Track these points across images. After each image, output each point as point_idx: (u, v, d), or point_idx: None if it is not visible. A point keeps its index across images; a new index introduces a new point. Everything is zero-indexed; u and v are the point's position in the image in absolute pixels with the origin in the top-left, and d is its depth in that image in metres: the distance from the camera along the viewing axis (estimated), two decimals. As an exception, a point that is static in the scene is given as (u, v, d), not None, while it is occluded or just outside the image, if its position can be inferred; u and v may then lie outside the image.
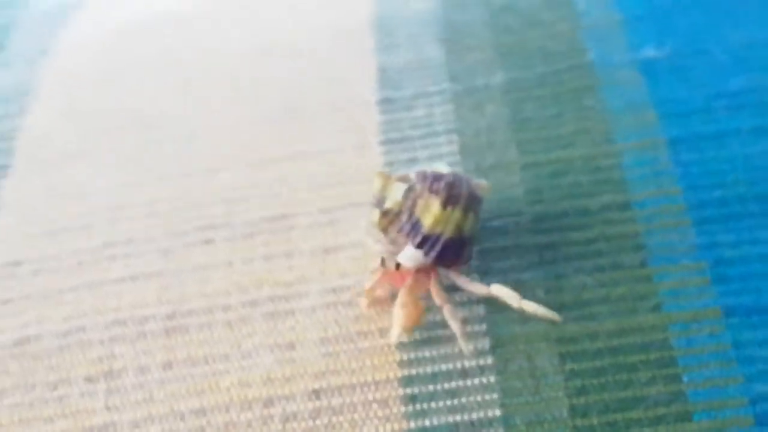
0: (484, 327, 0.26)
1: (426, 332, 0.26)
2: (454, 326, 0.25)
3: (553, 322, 0.25)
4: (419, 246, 0.26)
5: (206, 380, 0.26)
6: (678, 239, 0.27)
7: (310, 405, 0.25)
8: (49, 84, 0.35)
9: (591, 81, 0.32)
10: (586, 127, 0.30)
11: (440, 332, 0.26)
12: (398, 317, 0.25)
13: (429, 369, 0.25)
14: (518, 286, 0.26)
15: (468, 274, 0.26)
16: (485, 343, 0.26)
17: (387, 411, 0.25)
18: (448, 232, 0.26)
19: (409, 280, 0.25)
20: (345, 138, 0.31)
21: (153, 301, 0.28)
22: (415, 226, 0.26)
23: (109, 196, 0.31)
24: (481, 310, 0.26)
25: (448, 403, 0.25)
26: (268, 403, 0.25)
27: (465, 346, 0.25)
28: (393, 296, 0.26)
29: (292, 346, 0.26)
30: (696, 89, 0.30)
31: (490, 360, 0.25)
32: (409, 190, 0.26)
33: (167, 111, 0.33)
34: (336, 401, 0.25)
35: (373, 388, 0.25)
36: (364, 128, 0.31)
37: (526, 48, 0.33)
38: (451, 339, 0.26)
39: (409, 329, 0.25)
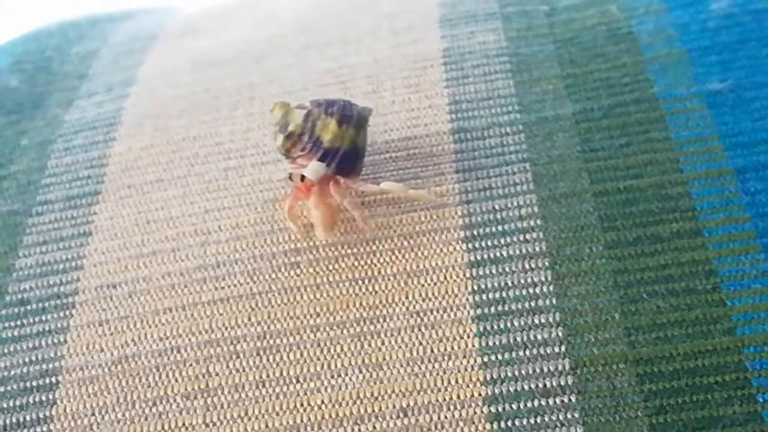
0: (563, 348, 0.27)
1: (508, 353, 0.27)
2: (356, 214, 0.30)
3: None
4: (321, 159, 0.30)
5: (298, 398, 0.27)
6: (749, 265, 0.28)
7: (398, 423, 0.26)
8: (133, 113, 0.37)
9: (657, 113, 0.33)
10: (654, 157, 0.31)
11: (522, 353, 0.27)
12: (316, 219, 0.30)
13: (512, 388, 0.27)
14: (595, 310, 0.28)
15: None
16: (565, 364, 0.27)
17: (473, 428, 0.26)
18: (345, 146, 0.30)
19: (316, 188, 0.30)
20: (423, 167, 0.32)
21: (244, 322, 0.29)
22: (316, 143, 0.30)
23: (196, 220, 0.32)
24: (559, 332, 0.27)
25: (532, 421, 0.26)
26: (359, 420, 0.27)
27: (368, 230, 0.30)
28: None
29: (379, 365, 0.28)
30: (761, 120, 0.32)
31: (570, 380, 0.26)
32: (308, 114, 0.31)
33: (248, 139, 0.35)
34: (423, 419, 0.26)
35: (458, 406, 0.27)
36: (439, 157, 0.33)
37: (591, 80, 0.35)
38: (533, 358, 0.27)
39: (329, 227, 0.30)
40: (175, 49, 0.41)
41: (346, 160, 0.30)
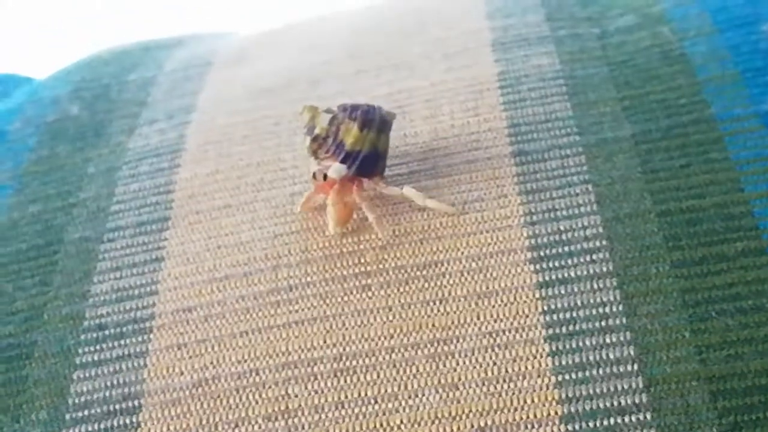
0: (635, 367, 0.28)
1: (582, 372, 0.28)
2: (371, 216, 0.32)
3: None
4: (343, 161, 0.32)
5: (377, 419, 0.28)
6: (815, 283, 0.29)
7: (477, 441, 0.27)
8: (196, 140, 0.38)
9: (715, 134, 0.33)
10: (715, 177, 0.32)
11: (595, 372, 0.28)
12: (331, 213, 0.32)
13: (587, 406, 0.27)
14: (665, 329, 0.28)
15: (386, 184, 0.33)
16: (638, 382, 0.27)
17: (551, 446, 0.27)
18: (365, 149, 0.32)
19: (335, 187, 0.32)
20: (485, 189, 0.33)
21: (319, 345, 0.30)
22: (339, 146, 0.32)
23: (266, 245, 0.33)
24: (631, 351, 0.28)
25: (608, 438, 0.27)
26: (438, 439, 0.27)
27: (381, 232, 0.32)
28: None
29: (455, 386, 0.28)
30: (819, 140, 0.32)
31: (644, 398, 0.27)
32: (333, 118, 0.33)
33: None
34: (501, 437, 0.27)
35: (535, 425, 0.27)
36: (502, 180, 0.33)
37: (648, 102, 0.35)
38: (606, 377, 0.27)
39: (341, 223, 0.32)
40: (230, 76, 0.42)
41: (366, 162, 0.33)
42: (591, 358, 0.28)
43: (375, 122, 0.33)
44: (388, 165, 0.34)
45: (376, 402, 0.28)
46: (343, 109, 0.33)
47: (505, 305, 0.30)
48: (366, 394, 0.28)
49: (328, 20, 0.47)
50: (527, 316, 0.29)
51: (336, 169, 0.32)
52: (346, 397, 0.28)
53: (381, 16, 0.44)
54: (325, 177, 0.32)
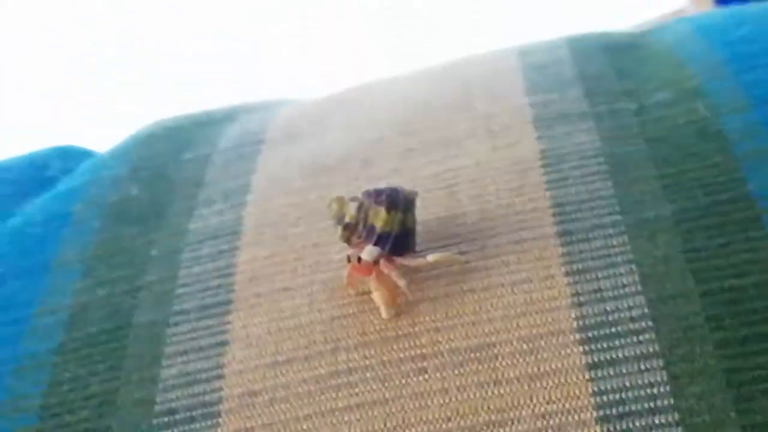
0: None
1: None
2: (401, 283, 0.34)
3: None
4: (376, 244, 0.34)
5: (438, 500, 0.29)
6: None
7: None
8: (252, 222, 0.40)
9: (753, 211, 0.35)
10: (755, 256, 0.33)
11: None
12: (378, 299, 0.34)
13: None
14: (711, 409, 0.30)
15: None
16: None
17: None
18: (395, 229, 0.35)
19: (374, 273, 0.34)
20: (532, 270, 0.35)
21: (380, 428, 0.31)
22: (370, 230, 0.35)
23: (325, 328, 0.34)
24: (678, 431, 0.29)
25: None
26: None
27: (409, 294, 0.34)
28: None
29: (512, 468, 0.30)
30: None
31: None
32: (361, 206, 0.35)
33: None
34: None
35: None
36: (548, 260, 0.35)
37: (686, 180, 0.37)
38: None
39: (391, 305, 0.34)
40: (282, 155, 0.44)
41: (398, 241, 0.35)
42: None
43: (400, 203, 0.35)
44: (440, 245, 0.36)
45: (436, 484, 0.30)
46: (368, 195, 0.36)
47: (557, 387, 0.31)
48: (427, 477, 0.30)
49: (377, 92, 0.48)
50: (578, 398, 0.31)
51: (368, 251, 0.34)
52: (408, 479, 0.30)
53: (429, 88, 0.46)
54: (359, 260, 0.34)
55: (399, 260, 0.35)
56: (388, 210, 0.35)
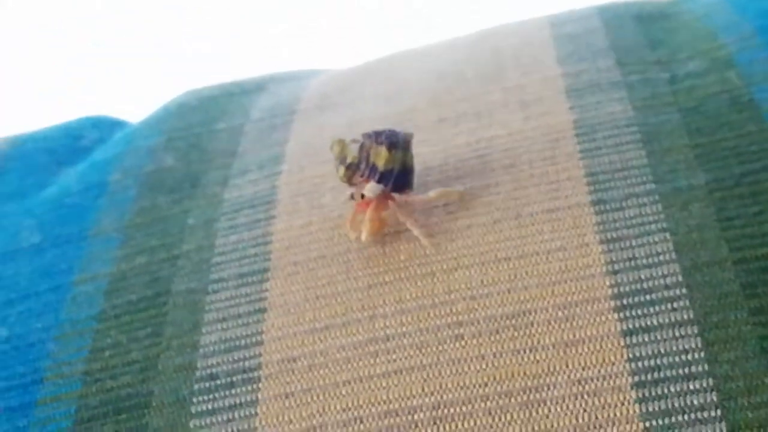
0: (718, 412, 0.29)
1: (668, 418, 0.30)
2: (416, 230, 0.36)
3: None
4: (378, 181, 0.36)
5: (476, 464, 0.30)
6: None
7: (571, 485, 0.29)
8: (287, 191, 0.40)
9: None
10: None
11: (680, 418, 0.30)
12: (366, 226, 0.35)
13: (674, 452, 0.29)
14: (745, 375, 0.30)
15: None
16: (722, 427, 0.29)
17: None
18: (397, 168, 0.36)
19: (372, 203, 0.36)
20: (567, 238, 0.35)
21: (418, 393, 0.32)
22: (373, 168, 0.36)
23: (361, 296, 0.35)
24: (714, 396, 0.30)
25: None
26: (535, 483, 0.29)
27: (427, 242, 0.35)
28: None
29: (548, 432, 0.30)
30: None
31: None
32: (362, 146, 0.37)
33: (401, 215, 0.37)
34: (594, 481, 0.29)
35: (626, 469, 0.29)
36: (582, 228, 0.35)
37: (720, 149, 0.37)
38: (691, 423, 0.29)
39: (373, 234, 0.36)
40: (314, 125, 0.44)
41: (399, 178, 0.36)
42: (676, 404, 0.30)
43: (400, 143, 0.37)
44: (473, 213, 0.36)
45: (474, 448, 0.30)
46: (368, 137, 0.37)
47: (592, 353, 0.32)
48: (465, 441, 0.30)
49: (408, 61, 0.49)
50: (614, 364, 0.31)
51: (371, 188, 0.36)
52: (446, 443, 0.31)
53: (461, 59, 0.46)
54: (362, 197, 0.36)
55: (400, 197, 0.37)
56: (389, 149, 0.36)
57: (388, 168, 0.36)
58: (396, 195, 0.37)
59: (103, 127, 0.50)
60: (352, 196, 0.36)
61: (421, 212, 0.37)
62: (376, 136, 0.37)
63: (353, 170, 0.37)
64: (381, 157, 0.36)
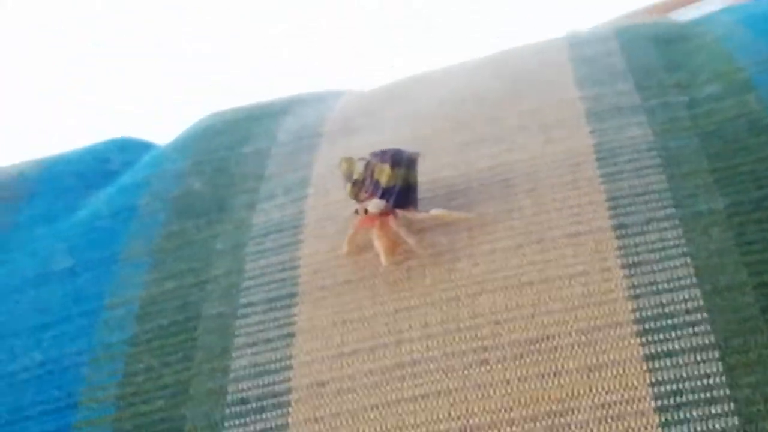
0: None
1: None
2: (410, 241, 0.37)
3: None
4: (381, 197, 0.37)
5: (503, 487, 0.31)
6: None
7: None
8: (314, 216, 0.41)
9: None
10: None
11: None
12: (379, 246, 0.36)
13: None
14: (766, 399, 0.31)
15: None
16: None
17: None
18: (399, 184, 0.37)
19: (377, 222, 0.37)
20: (589, 263, 0.36)
21: (445, 417, 0.33)
22: (376, 185, 0.37)
23: (388, 320, 0.36)
24: (735, 421, 0.30)
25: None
26: (560, 507, 0.30)
27: (420, 252, 0.37)
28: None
29: (573, 456, 0.31)
30: None
31: None
32: (367, 164, 0.38)
33: (425, 240, 0.38)
34: (619, 505, 0.30)
35: (650, 493, 0.30)
36: (604, 253, 0.36)
37: (738, 173, 0.37)
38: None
39: (390, 253, 0.37)
40: (339, 148, 0.45)
41: (401, 195, 0.38)
42: (698, 428, 0.31)
43: (403, 161, 0.38)
44: (495, 237, 0.37)
45: (501, 472, 0.31)
46: (374, 155, 0.39)
47: (615, 378, 0.32)
48: (491, 465, 0.31)
49: (428, 84, 0.50)
50: (636, 389, 0.32)
51: (374, 203, 0.37)
52: (473, 467, 0.31)
53: (479, 82, 0.47)
54: (365, 212, 0.37)
55: (403, 213, 0.38)
56: (392, 166, 0.38)
57: (390, 184, 0.38)
58: (399, 212, 0.38)
59: (130, 150, 0.51)
60: (356, 212, 0.38)
61: (443, 234, 0.38)
62: (382, 155, 0.38)
63: (359, 187, 0.38)
64: (384, 174, 0.38)
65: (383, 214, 0.38)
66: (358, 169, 0.39)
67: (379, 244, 0.37)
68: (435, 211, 0.38)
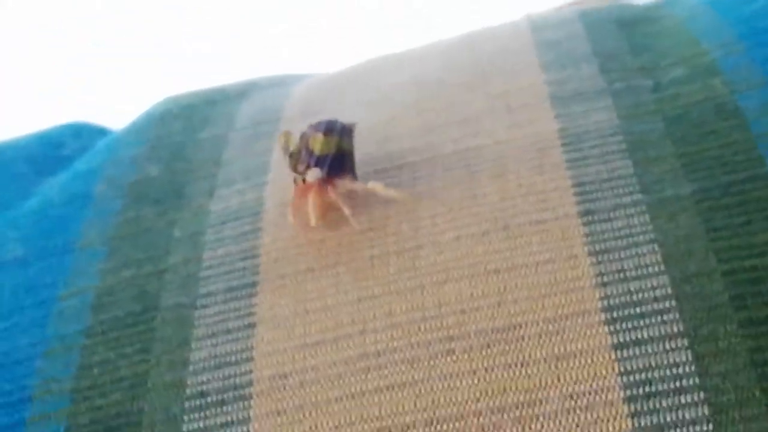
0: (710, 426, 0.30)
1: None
2: (345, 210, 0.37)
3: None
4: (316, 165, 0.38)
5: (470, 480, 0.30)
6: None
7: (566, 501, 0.29)
8: (274, 202, 0.40)
9: None
10: None
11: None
12: (312, 209, 0.37)
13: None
14: (736, 388, 0.30)
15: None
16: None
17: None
18: (332, 152, 0.38)
19: (314, 188, 0.37)
20: (556, 250, 0.35)
21: (410, 409, 0.32)
22: (310, 154, 0.38)
23: (351, 309, 0.35)
24: (705, 410, 0.30)
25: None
26: (529, 500, 0.29)
27: (354, 223, 0.37)
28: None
29: (542, 447, 0.30)
30: None
31: None
32: (302, 135, 0.39)
33: (386, 226, 0.37)
34: (588, 497, 0.29)
35: (620, 484, 0.29)
36: (571, 240, 0.35)
37: (705, 158, 0.37)
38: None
39: (320, 216, 0.37)
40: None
41: (335, 163, 0.38)
42: (668, 418, 0.30)
43: (336, 129, 0.39)
44: (461, 224, 0.36)
45: (468, 465, 0.30)
46: (310, 127, 0.39)
47: (584, 367, 0.32)
48: (458, 457, 0.31)
49: (388, 67, 0.49)
50: (605, 378, 0.31)
51: (312, 173, 0.38)
52: (440, 460, 0.31)
53: (441, 66, 0.46)
54: (303, 180, 0.38)
55: (339, 182, 0.38)
56: (325, 135, 0.38)
57: (323, 153, 0.38)
58: (338, 181, 0.38)
59: (84, 135, 0.50)
60: (294, 181, 0.38)
61: (408, 222, 0.37)
62: (316, 125, 0.39)
63: (296, 159, 0.39)
64: (318, 142, 0.38)
65: (322, 181, 0.38)
66: (294, 141, 0.39)
67: (311, 207, 0.37)
68: (372, 184, 0.38)
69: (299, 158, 0.39)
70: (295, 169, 0.39)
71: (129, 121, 0.49)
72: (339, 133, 0.39)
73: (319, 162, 0.38)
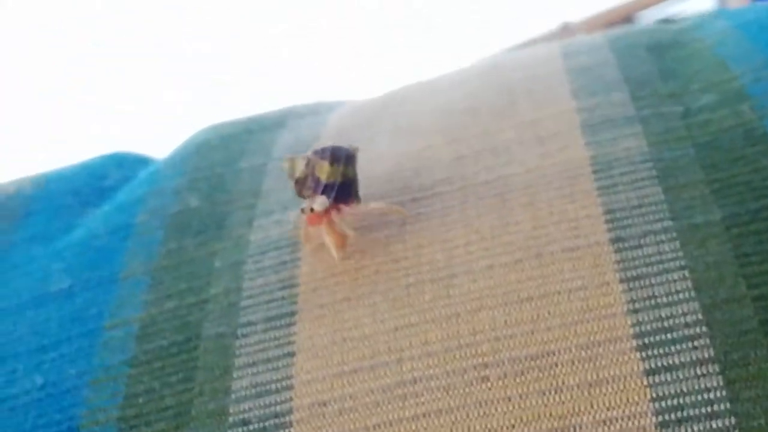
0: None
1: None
2: (327, 239, 0.38)
3: None
4: (323, 193, 0.38)
5: (506, 506, 0.31)
6: None
7: None
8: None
9: None
10: None
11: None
12: (329, 242, 0.38)
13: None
14: (766, 413, 0.31)
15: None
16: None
17: None
18: (339, 180, 0.39)
19: (325, 220, 0.38)
20: (588, 277, 0.36)
21: (447, 436, 0.33)
22: (317, 182, 0.39)
23: (388, 338, 0.36)
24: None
25: None
26: None
27: (335, 252, 0.38)
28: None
29: (576, 473, 0.31)
30: None
31: None
32: (308, 162, 0.39)
33: (420, 255, 0.38)
34: None
35: None
36: (602, 267, 0.36)
37: (735, 184, 0.38)
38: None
39: (340, 248, 0.38)
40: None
41: (341, 190, 0.39)
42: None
43: (342, 157, 0.39)
44: (493, 253, 0.37)
45: (503, 490, 0.31)
46: (314, 153, 0.40)
47: (616, 393, 0.32)
48: (494, 483, 0.31)
49: (420, 95, 0.50)
50: (638, 404, 0.32)
51: (319, 202, 0.38)
52: (476, 486, 0.31)
53: (472, 94, 0.47)
54: (311, 210, 0.38)
55: (346, 209, 0.39)
56: (331, 163, 0.39)
57: (330, 181, 0.39)
58: (344, 207, 0.39)
59: (127, 166, 0.51)
60: (302, 210, 0.39)
61: (442, 251, 0.38)
62: (322, 152, 0.40)
63: (302, 184, 0.40)
64: (324, 170, 0.39)
65: (328, 209, 0.39)
66: (300, 166, 0.40)
67: (329, 240, 0.38)
68: (374, 204, 0.39)
69: (305, 184, 0.40)
70: (300, 194, 0.40)
71: (155, 142, 0.50)
72: (344, 161, 0.40)
73: (326, 189, 0.39)
